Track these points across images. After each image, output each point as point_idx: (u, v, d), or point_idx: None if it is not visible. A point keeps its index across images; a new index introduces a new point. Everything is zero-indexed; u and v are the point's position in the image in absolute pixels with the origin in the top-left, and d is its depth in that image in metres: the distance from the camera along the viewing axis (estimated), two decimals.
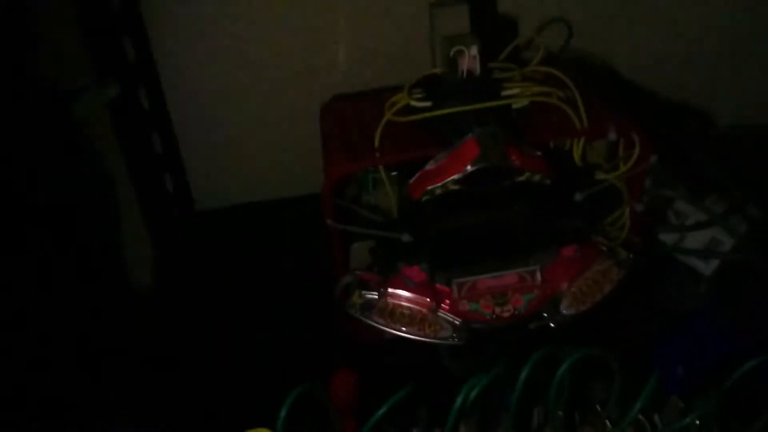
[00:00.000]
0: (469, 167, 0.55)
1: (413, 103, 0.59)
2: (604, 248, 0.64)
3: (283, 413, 0.36)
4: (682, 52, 0.85)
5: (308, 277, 0.71)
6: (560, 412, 0.46)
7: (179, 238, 0.79)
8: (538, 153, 0.57)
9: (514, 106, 0.60)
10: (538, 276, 0.63)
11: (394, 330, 0.61)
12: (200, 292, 0.73)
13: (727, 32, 0.85)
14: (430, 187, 0.56)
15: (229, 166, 0.82)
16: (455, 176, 0.55)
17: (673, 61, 0.86)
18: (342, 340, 0.67)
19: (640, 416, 0.44)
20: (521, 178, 0.57)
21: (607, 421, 0.48)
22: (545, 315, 0.62)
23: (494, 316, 0.62)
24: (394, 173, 0.62)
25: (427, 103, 0.59)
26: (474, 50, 0.57)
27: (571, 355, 0.38)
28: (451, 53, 0.57)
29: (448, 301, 0.62)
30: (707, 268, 0.71)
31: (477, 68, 0.58)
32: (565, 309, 0.62)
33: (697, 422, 0.41)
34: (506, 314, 0.62)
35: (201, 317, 0.71)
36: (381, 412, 0.40)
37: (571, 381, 0.45)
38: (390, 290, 0.62)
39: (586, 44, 0.80)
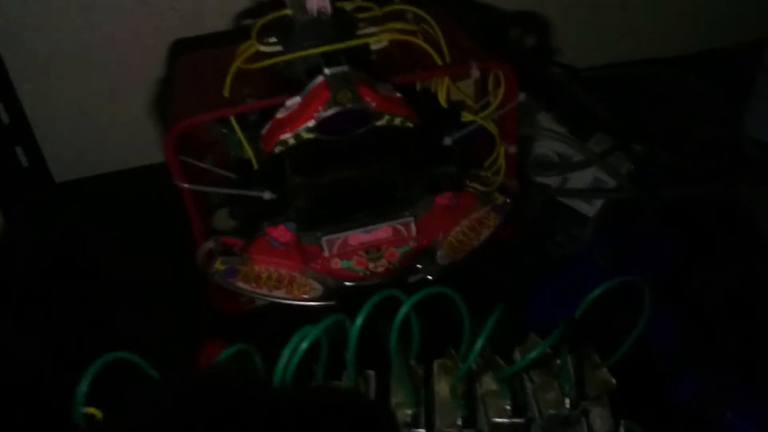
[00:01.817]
0: (320, 112, 0.51)
1: (262, 48, 0.55)
2: (480, 194, 0.62)
3: (83, 387, 0.32)
4: None
5: (177, 247, 0.66)
6: (412, 361, 0.43)
7: (35, 212, 0.73)
8: (398, 94, 0.53)
9: (373, 47, 0.56)
10: (413, 227, 0.59)
11: (260, 294, 0.57)
12: (58, 264, 0.67)
13: None
14: (282, 137, 0.52)
15: (86, 136, 0.75)
16: (308, 123, 0.51)
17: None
18: (213, 310, 0.62)
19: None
20: (381, 122, 0.53)
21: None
22: (419, 267, 0.59)
23: (368, 272, 0.59)
24: None
25: (278, 47, 0.55)
26: None
27: (411, 297, 0.35)
28: None
29: (319, 261, 0.59)
30: (591, 209, 0.70)
31: (328, 7, 0.53)
32: (441, 259, 0.60)
33: (549, 350, 0.39)
34: (380, 269, 0.59)
35: (60, 290, 0.65)
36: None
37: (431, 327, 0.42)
38: (253, 253, 0.58)
39: None
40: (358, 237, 0.59)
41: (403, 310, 0.35)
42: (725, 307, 0.61)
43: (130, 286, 0.65)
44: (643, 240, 0.59)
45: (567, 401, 0.39)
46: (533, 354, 0.35)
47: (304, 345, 0.35)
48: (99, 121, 0.75)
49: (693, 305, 0.61)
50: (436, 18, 0.60)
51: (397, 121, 0.54)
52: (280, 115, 0.52)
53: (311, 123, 0.51)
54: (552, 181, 0.72)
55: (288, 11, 0.54)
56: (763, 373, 0.51)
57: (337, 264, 0.58)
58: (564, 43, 0.88)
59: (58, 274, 0.66)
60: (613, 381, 0.40)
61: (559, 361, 0.41)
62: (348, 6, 0.59)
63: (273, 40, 0.55)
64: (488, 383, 0.42)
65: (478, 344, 0.35)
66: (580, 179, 0.71)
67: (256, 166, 0.57)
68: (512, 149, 0.61)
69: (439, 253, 0.60)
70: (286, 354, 0.35)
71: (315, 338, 0.36)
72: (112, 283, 0.65)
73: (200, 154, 0.59)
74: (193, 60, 0.62)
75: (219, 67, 0.56)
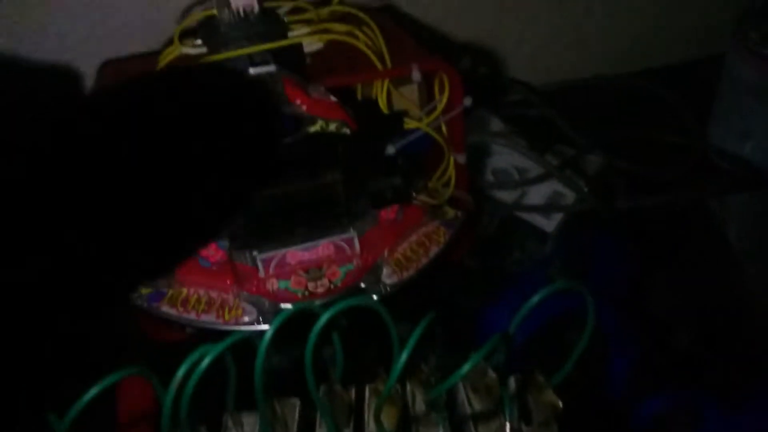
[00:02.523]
0: None
1: (185, 50, 0.51)
2: (429, 208, 0.58)
3: None
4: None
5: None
6: (337, 386, 0.38)
7: None
8: (332, 98, 0.49)
9: (308, 49, 0.53)
10: (356, 244, 0.55)
11: (187, 320, 0.52)
12: None
13: None
14: None
15: None
16: None
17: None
18: (141, 339, 0.57)
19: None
20: (314, 128, 0.49)
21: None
22: (363, 286, 0.55)
23: (307, 293, 0.54)
24: None
25: (203, 50, 0.51)
26: None
27: (327, 311, 0.30)
28: None
29: (254, 281, 0.54)
30: (549, 224, 0.66)
31: (255, 5, 0.50)
32: (387, 277, 0.55)
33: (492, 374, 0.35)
34: (321, 290, 0.54)
35: None
36: None
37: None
38: (181, 274, 0.53)
39: None
40: (296, 255, 0.54)
41: (320, 323, 0.31)
42: (691, 324, 0.57)
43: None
44: (601, 254, 0.55)
45: (508, 427, 0.35)
46: (464, 369, 0.30)
47: (203, 365, 0.31)
48: None
49: (657, 321, 0.57)
50: (380, 23, 0.57)
51: (332, 126, 0.50)
52: None
53: None
54: (509, 195, 0.68)
55: (214, 11, 0.51)
56: (732, 393, 0.47)
57: (274, 285, 0.54)
58: (524, 59, 0.86)
59: None
60: (560, 404, 0.36)
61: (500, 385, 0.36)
62: (285, 6, 0.55)
63: (198, 42, 0.51)
64: (422, 407, 0.37)
65: (402, 357, 0.30)
66: (539, 193, 0.67)
67: None
68: (461, 159, 0.57)
69: (384, 270, 0.55)
70: (177, 377, 0.31)
71: (215, 359, 0.31)
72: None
73: None
74: (116, 69, 0.58)
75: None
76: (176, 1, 0.62)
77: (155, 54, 0.54)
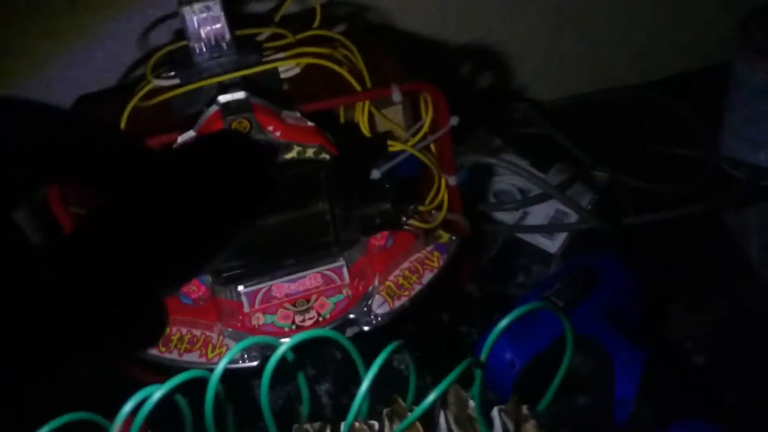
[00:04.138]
0: None
1: (156, 82, 0.49)
2: (421, 232, 0.55)
3: None
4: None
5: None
6: (307, 426, 0.35)
7: None
8: (309, 123, 0.48)
9: (284, 74, 0.51)
10: (345, 273, 0.53)
11: (168, 360, 0.50)
12: None
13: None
14: None
15: None
16: None
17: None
18: (128, 380, 0.55)
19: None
20: (291, 154, 0.47)
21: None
22: (353, 317, 0.52)
23: (294, 327, 0.52)
24: None
25: (175, 81, 0.49)
26: (216, 10, 0.48)
27: (284, 345, 0.28)
28: (191, 17, 0.48)
29: (239, 317, 0.52)
30: (553, 245, 0.63)
31: (226, 34, 0.49)
32: (378, 307, 0.53)
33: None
34: (309, 323, 0.52)
35: None
36: None
37: None
38: None
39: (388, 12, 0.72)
40: (283, 287, 0.52)
41: (274, 358, 0.29)
42: (708, 344, 0.53)
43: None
44: (606, 273, 0.52)
45: None
46: (430, 398, 0.28)
47: (150, 404, 0.28)
48: None
49: (671, 342, 0.54)
50: (362, 44, 0.55)
51: (310, 152, 0.48)
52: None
53: None
54: (511, 217, 0.66)
55: (185, 42, 0.49)
56: (749, 422, 0.43)
57: (260, 320, 0.52)
58: (527, 76, 0.83)
59: None
60: None
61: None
62: (264, 33, 0.54)
63: (171, 74, 0.50)
64: None
65: (362, 389, 0.27)
66: (541, 213, 0.64)
67: None
68: (453, 180, 0.55)
69: (375, 300, 0.53)
70: (122, 414, 0.28)
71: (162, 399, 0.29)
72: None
73: None
74: (93, 106, 0.57)
75: (120, 109, 0.51)
76: (155, 37, 0.61)
77: (131, 87, 0.53)
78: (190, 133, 0.46)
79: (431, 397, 0.28)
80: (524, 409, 0.34)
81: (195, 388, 0.39)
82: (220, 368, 0.29)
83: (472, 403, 0.34)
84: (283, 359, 0.36)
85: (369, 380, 0.28)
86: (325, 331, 0.32)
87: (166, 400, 0.30)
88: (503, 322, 0.31)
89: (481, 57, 0.80)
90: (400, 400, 0.35)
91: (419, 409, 0.29)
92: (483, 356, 0.32)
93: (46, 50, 0.60)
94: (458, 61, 0.78)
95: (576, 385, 0.45)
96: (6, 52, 0.60)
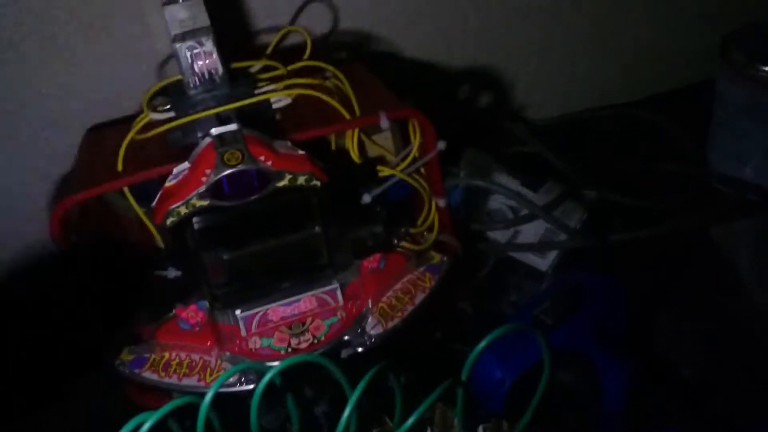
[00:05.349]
0: (209, 176, 0.47)
1: (153, 115, 0.51)
2: (412, 254, 0.57)
3: None
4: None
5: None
6: None
7: None
8: (300, 151, 0.49)
9: (276, 105, 0.53)
10: (339, 296, 0.54)
11: (167, 384, 0.51)
12: None
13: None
14: (171, 207, 0.47)
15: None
16: (198, 189, 0.47)
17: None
18: (130, 406, 0.56)
19: None
20: (282, 182, 0.49)
21: None
22: (347, 339, 0.53)
23: (290, 350, 0.53)
24: None
25: (170, 114, 0.51)
26: (209, 45, 0.50)
27: (271, 370, 0.29)
28: (185, 52, 0.50)
29: (236, 341, 0.53)
30: (544, 263, 0.64)
31: (219, 68, 0.50)
32: (372, 329, 0.54)
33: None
34: (304, 345, 0.53)
35: None
36: None
37: None
38: (161, 338, 0.52)
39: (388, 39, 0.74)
40: (278, 311, 0.54)
41: (262, 384, 0.30)
42: (695, 358, 0.54)
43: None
44: (594, 290, 0.53)
45: None
46: (410, 420, 0.29)
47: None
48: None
49: (658, 356, 0.55)
50: (352, 73, 0.57)
51: (301, 179, 0.49)
52: (168, 183, 0.48)
53: (202, 188, 0.47)
54: (503, 236, 0.67)
55: (180, 76, 0.51)
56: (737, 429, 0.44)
57: (257, 343, 0.53)
58: (519, 97, 0.85)
59: None
60: None
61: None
62: (256, 66, 0.56)
63: (167, 107, 0.52)
64: None
65: (346, 413, 0.29)
66: (532, 232, 0.66)
67: (161, 242, 0.53)
68: (442, 203, 0.56)
69: (369, 321, 0.54)
70: None
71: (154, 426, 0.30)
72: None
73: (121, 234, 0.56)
74: (98, 138, 0.59)
75: (120, 142, 0.53)
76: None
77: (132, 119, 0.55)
78: (185, 166, 0.48)
79: (411, 419, 0.29)
80: (506, 427, 0.35)
81: (194, 411, 0.40)
82: (210, 394, 0.30)
83: (456, 423, 0.35)
84: (280, 382, 0.37)
85: (352, 404, 0.29)
86: (310, 356, 0.33)
87: (161, 426, 0.32)
88: (482, 344, 0.32)
89: (472, 78, 0.82)
90: (388, 420, 0.37)
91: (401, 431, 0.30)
92: (464, 376, 0.33)
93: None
94: (449, 83, 0.80)
95: (563, 400, 0.47)
96: None
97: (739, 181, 0.70)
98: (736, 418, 0.48)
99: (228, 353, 0.53)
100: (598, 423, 0.46)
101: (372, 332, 0.54)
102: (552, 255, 0.64)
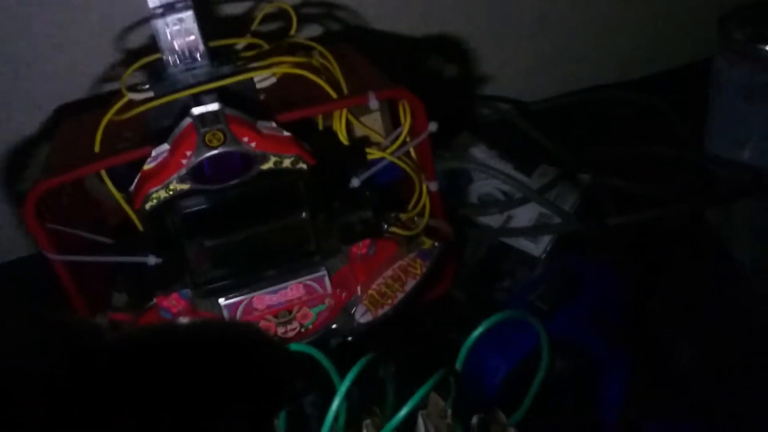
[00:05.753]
0: (190, 158, 0.45)
1: (131, 95, 0.49)
2: (403, 239, 0.55)
3: None
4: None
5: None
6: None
7: None
8: (286, 133, 0.47)
9: (260, 84, 0.51)
10: (327, 283, 0.52)
11: None
12: None
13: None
14: (150, 191, 0.45)
15: None
16: (179, 172, 0.45)
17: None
18: None
19: None
20: (267, 165, 0.47)
21: None
22: (335, 327, 0.52)
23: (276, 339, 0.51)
24: None
25: (149, 94, 0.49)
26: (189, 22, 0.47)
27: None
28: (164, 28, 0.47)
29: None
30: (537, 248, 0.62)
31: (200, 46, 0.48)
32: (361, 316, 0.52)
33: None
34: (291, 334, 0.52)
35: None
36: None
37: None
38: None
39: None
40: (264, 299, 0.52)
41: None
42: (694, 345, 0.53)
43: None
44: (589, 276, 0.52)
45: None
46: (403, 411, 0.27)
47: None
48: None
49: (656, 344, 0.53)
50: (339, 51, 0.55)
51: (287, 162, 0.47)
52: (147, 166, 0.46)
53: (183, 171, 0.45)
54: (495, 221, 0.65)
55: (159, 55, 0.49)
56: (735, 423, 0.43)
57: None
58: (510, 79, 0.83)
59: None
60: None
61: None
62: (240, 44, 0.54)
63: (145, 86, 0.50)
64: None
65: (334, 405, 0.27)
66: (525, 216, 0.64)
67: (141, 228, 0.51)
68: (433, 186, 0.55)
69: (358, 309, 0.52)
70: None
71: None
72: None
73: (96, 220, 0.54)
74: (74, 120, 0.56)
75: (96, 122, 0.51)
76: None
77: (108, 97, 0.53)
78: (164, 147, 0.46)
79: (404, 411, 0.27)
80: (503, 417, 0.33)
81: None
82: None
83: (450, 413, 0.33)
84: None
85: (341, 395, 0.27)
86: (297, 346, 0.31)
87: None
88: (478, 330, 0.31)
89: (464, 60, 0.80)
90: (378, 411, 0.35)
91: (392, 423, 0.28)
92: (459, 366, 0.31)
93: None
94: (440, 65, 0.78)
95: (560, 388, 0.45)
96: None
97: (736, 164, 0.68)
98: (736, 407, 0.46)
99: None
100: (596, 411, 0.45)
101: (361, 320, 0.52)
102: (545, 240, 0.63)
